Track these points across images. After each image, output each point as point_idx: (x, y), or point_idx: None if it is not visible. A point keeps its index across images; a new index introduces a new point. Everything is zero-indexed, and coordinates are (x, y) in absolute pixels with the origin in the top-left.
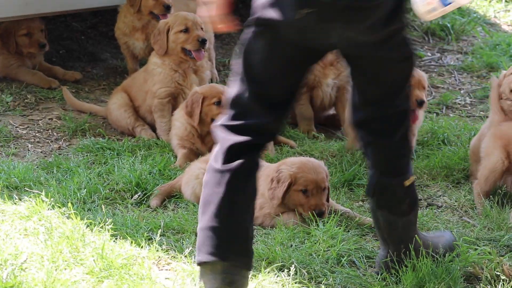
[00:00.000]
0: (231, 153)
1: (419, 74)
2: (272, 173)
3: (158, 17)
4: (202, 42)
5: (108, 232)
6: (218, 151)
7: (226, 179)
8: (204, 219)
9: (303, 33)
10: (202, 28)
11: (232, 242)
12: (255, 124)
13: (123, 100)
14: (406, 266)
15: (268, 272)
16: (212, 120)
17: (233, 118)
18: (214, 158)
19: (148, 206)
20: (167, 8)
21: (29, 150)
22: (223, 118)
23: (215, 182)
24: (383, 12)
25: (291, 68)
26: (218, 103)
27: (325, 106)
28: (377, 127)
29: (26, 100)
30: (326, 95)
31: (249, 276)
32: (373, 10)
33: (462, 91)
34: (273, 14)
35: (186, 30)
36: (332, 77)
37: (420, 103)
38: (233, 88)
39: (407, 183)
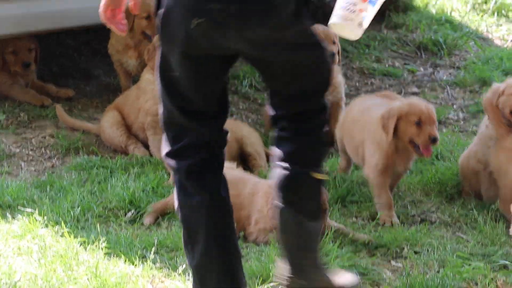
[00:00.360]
0: (193, 180)
1: (428, 108)
2: (271, 192)
3: (150, 37)
4: None
5: (102, 250)
6: (180, 182)
7: (204, 217)
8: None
9: (202, 41)
10: None
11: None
12: (196, 141)
13: (115, 118)
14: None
15: None
16: None
17: (173, 141)
18: (184, 192)
19: (142, 224)
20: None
21: (22, 169)
22: (165, 146)
23: (196, 222)
24: (283, 12)
25: (206, 77)
26: None
27: None
28: (293, 125)
29: (19, 118)
30: None
31: None
32: (269, 11)
33: (455, 106)
34: (172, 29)
35: None
36: None
37: (434, 140)
38: (161, 109)
39: (318, 176)
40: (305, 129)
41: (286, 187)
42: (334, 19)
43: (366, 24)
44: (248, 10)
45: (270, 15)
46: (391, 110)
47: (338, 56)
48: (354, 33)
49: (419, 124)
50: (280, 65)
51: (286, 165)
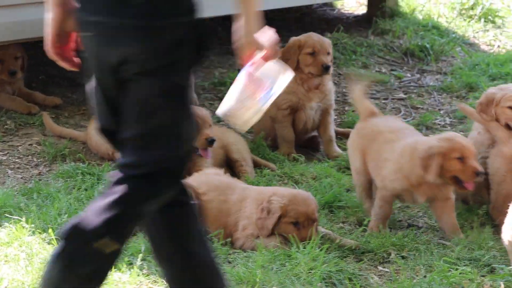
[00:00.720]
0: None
1: (468, 142)
2: (260, 200)
3: None
4: None
5: None
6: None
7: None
8: None
9: (92, 57)
10: None
11: None
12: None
13: None
14: None
15: None
16: None
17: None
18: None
19: None
20: None
21: (9, 176)
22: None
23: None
24: (160, 39)
25: (109, 95)
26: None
27: (307, 129)
28: (127, 169)
29: (5, 126)
30: (310, 118)
31: None
32: (148, 33)
33: (441, 112)
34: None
35: None
36: (316, 100)
37: (478, 174)
38: None
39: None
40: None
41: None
42: (224, 109)
43: (252, 121)
44: (128, 27)
45: (149, 37)
46: (431, 149)
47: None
48: (240, 126)
49: (461, 159)
50: (139, 88)
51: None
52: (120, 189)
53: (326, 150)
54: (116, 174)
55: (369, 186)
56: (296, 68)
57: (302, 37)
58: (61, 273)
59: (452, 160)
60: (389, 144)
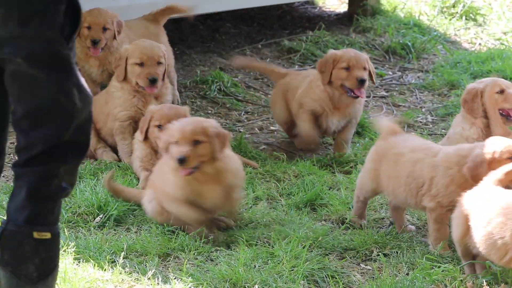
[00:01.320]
0: None
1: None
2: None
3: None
4: (152, 81)
5: (71, 255)
6: None
7: None
8: None
9: None
10: (160, 62)
11: None
12: None
13: None
14: None
15: None
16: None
17: None
18: None
19: (111, 228)
20: (94, 43)
21: None
22: None
23: None
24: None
25: None
26: (160, 126)
27: (325, 134)
28: (23, 153)
29: None
30: (330, 128)
31: None
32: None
33: (423, 110)
34: None
35: (142, 64)
36: (337, 119)
37: None
38: None
39: (37, 235)
40: (30, 169)
41: (3, 245)
42: None
43: None
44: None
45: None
46: (477, 158)
47: (373, 79)
48: None
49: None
50: (16, 72)
51: (8, 217)
52: (26, 181)
53: (336, 146)
54: (17, 162)
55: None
56: (329, 82)
57: (339, 51)
58: (11, 278)
59: (502, 162)
60: (421, 163)
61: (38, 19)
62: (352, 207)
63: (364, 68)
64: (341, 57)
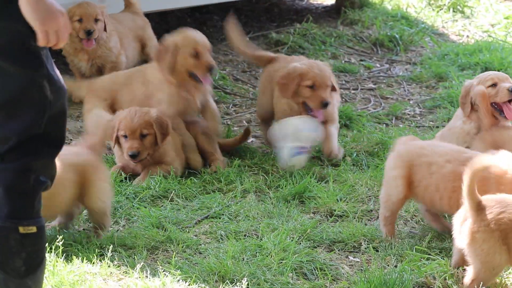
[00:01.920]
0: None
1: None
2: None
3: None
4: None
5: (60, 248)
6: None
7: None
8: None
9: None
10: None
11: None
12: None
13: None
14: None
15: (220, 287)
16: None
17: None
18: None
19: None
20: (88, 33)
21: None
22: None
23: None
24: None
25: None
26: (126, 137)
27: None
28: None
29: None
30: None
31: None
32: None
33: (411, 102)
34: None
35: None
36: None
37: None
38: None
39: (23, 230)
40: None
41: None
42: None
43: None
44: None
45: None
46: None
47: (334, 88)
48: None
49: None
50: None
51: None
52: (3, 178)
53: (326, 156)
54: None
55: None
56: (294, 96)
57: (304, 67)
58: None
59: None
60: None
61: (7, 11)
62: (379, 227)
63: (327, 85)
64: (306, 74)
